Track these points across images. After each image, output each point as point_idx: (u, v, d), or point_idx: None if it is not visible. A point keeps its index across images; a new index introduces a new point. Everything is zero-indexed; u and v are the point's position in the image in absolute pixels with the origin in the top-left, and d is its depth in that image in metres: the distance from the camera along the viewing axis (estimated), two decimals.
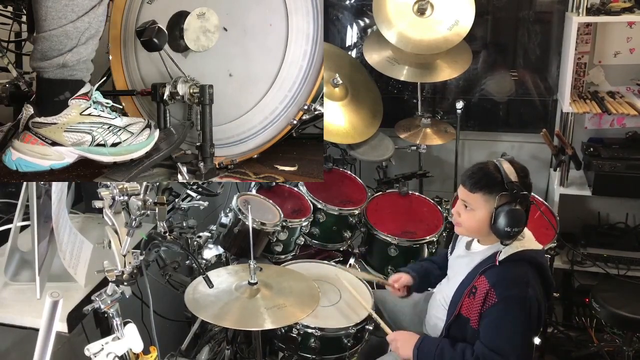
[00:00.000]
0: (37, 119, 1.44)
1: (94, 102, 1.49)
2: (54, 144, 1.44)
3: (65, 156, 1.46)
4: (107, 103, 1.53)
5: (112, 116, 1.51)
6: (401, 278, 1.96)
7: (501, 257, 1.60)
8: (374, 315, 1.90)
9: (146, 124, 1.55)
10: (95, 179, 1.48)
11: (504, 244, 1.61)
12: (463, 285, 1.67)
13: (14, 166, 1.43)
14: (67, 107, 1.44)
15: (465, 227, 1.68)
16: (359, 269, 2.43)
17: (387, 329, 1.83)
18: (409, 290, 1.97)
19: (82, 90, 1.47)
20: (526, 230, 1.67)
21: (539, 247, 1.69)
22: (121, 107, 1.65)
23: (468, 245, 1.78)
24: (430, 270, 1.98)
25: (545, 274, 1.64)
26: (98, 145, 1.47)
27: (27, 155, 1.43)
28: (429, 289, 2.00)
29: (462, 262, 1.76)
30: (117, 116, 1.52)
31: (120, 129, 1.50)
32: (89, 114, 1.47)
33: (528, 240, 1.66)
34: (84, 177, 1.49)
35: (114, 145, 1.49)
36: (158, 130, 1.56)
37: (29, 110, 1.44)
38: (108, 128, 1.48)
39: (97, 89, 1.54)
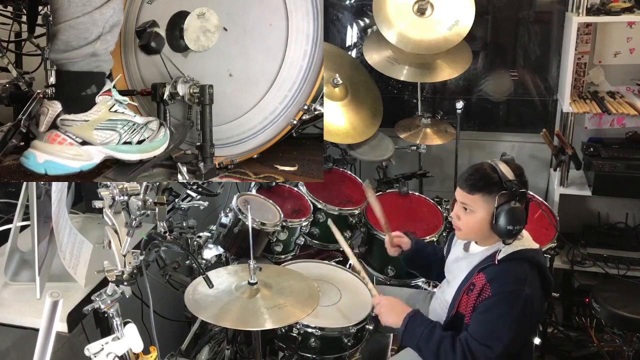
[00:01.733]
0: (67, 117, 1.36)
1: (115, 100, 1.45)
2: (83, 143, 1.38)
3: (94, 156, 1.40)
4: (125, 100, 1.49)
5: (132, 114, 1.48)
6: (403, 238, 2.00)
7: (500, 255, 1.61)
8: (363, 273, 1.92)
9: (160, 122, 1.54)
10: (95, 179, 1.48)
11: (506, 243, 1.62)
12: (462, 284, 1.68)
13: (42, 170, 1.34)
14: (95, 104, 1.39)
15: (465, 230, 1.69)
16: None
17: (374, 291, 1.85)
18: (402, 252, 2.01)
19: (106, 87, 1.42)
20: (524, 231, 1.68)
21: (537, 246, 1.70)
22: (135, 104, 1.63)
23: (466, 247, 1.78)
24: (429, 251, 2.01)
25: (545, 273, 1.65)
26: (125, 143, 1.43)
27: (58, 156, 1.34)
28: (422, 281, 2.04)
29: (461, 265, 1.75)
30: (135, 114, 1.50)
31: (142, 126, 1.47)
32: (116, 111, 1.42)
33: (526, 239, 1.68)
34: (84, 177, 1.49)
35: (139, 142, 1.45)
36: (168, 128, 1.55)
37: (56, 107, 1.36)
38: (132, 126, 1.45)
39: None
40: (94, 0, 1.32)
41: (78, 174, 1.39)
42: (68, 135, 1.36)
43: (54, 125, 1.36)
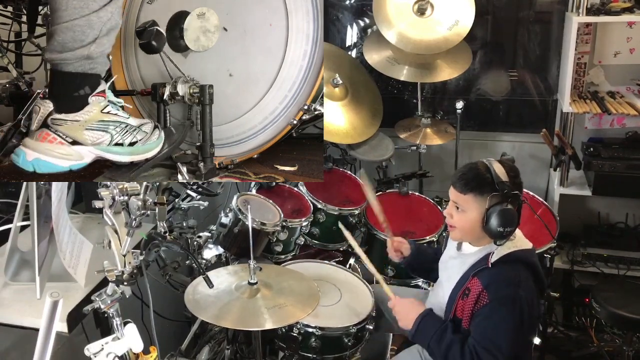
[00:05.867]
0: (58, 116, 1.36)
1: (108, 101, 1.45)
2: (74, 142, 1.38)
3: (84, 156, 1.41)
4: (119, 102, 1.49)
5: (126, 115, 1.48)
6: (404, 244, 2.00)
7: (493, 258, 1.60)
8: (378, 276, 1.92)
9: (154, 125, 1.54)
10: (95, 179, 1.48)
11: (497, 244, 1.61)
12: (457, 287, 1.67)
13: (30, 167, 1.34)
14: (87, 104, 1.39)
15: (458, 229, 1.68)
16: (359, 269, 2.43)
17: (390, 294, 1.83)
18: (403, 258, 2.01)
19: (100, 88, 1.42)
20: (517, 230, 1.67)
21: (529, 245, 1.69)
22: (130, 107, 1.63)
23: (459, 246, 1.78)
24: (429, 255, 2.00)
25: (538, 273, 1.65)
26: (116, 144, 1.43)
27: (47, 155, 1.35)
28: (422, 280, 2.06)
29: (453, 264, 1.75)
30: (129, 116, 1.49)
31: (135, 128, 1.47)
32: (108, 112, 1.43)
33: (519, 240, 1.67)
34: (84, 177, 1.49)
35: (131, 144, 1.45)
36: (163, 131, 1.55)
37: (47, 106, 1.36)
38: (125, 127, 1.45)
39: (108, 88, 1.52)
40: (92, 3, 1.32)
41: (68, 173, 1.39)
42: (58, 135, 1.37)
43: (45, 124, 1.37)
